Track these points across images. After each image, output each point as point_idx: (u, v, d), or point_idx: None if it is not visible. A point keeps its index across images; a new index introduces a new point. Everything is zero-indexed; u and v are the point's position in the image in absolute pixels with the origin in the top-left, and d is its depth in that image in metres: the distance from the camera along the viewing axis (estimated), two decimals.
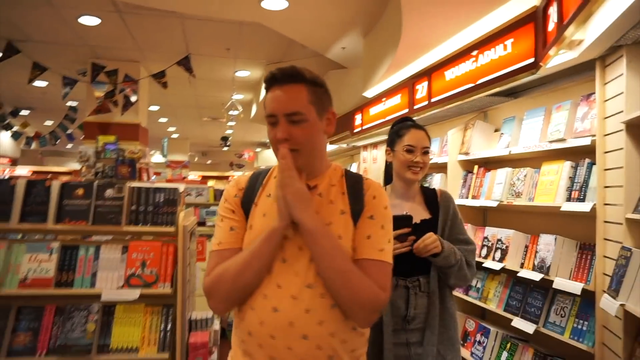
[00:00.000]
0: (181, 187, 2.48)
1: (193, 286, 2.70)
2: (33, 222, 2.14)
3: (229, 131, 11.58)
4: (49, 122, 12.24)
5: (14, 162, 14.06)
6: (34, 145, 10.51)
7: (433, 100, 3.48)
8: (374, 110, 4.71)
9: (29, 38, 5.78)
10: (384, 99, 4.43)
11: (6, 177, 2.10)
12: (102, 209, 2.21)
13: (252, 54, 6.47)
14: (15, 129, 10.37)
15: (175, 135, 15.50)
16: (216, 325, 2.70)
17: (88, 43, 6.06)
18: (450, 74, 3.22)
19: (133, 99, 6.39)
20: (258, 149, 17.81)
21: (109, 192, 2.24)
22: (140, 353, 2.12)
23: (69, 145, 16.23)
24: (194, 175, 18.97)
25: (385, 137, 4.99)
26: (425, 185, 1.92)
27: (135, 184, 2.29)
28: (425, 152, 1.78)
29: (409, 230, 1.64)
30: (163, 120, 12.34)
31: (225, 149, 15.21)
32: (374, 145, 5.67)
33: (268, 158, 16.86)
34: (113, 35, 5.73)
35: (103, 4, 4.74)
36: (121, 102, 6.42)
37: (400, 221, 1.61)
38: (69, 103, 9.08)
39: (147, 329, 2.17)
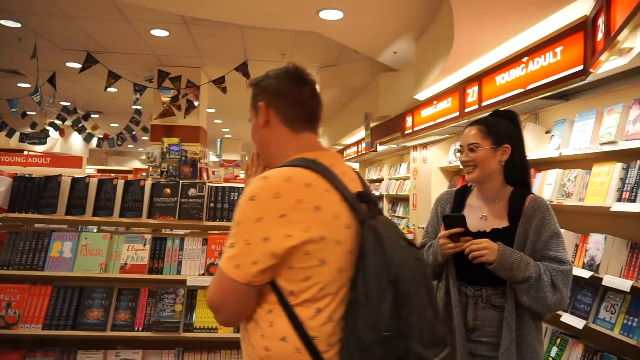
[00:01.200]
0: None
1: None
2: (130, 217, 2.50)
3: None
4: (114, 125, 13.17)
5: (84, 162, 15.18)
6: (103, 146, 11.35)
7: (484, 104, 3.59)
8: (425, 112, 4.85)
9: (105, 49, 6.36)
10: (435, 102, 4.57)
11: (84, 178, 2.47)
12: (186, 206, 2.54)
13: (306, 58, 6.75)
14: (86, 131, 11.27)
15: (228, 136, 16.15)
16: None
17: (155, 52, 6.57)
18: (501, 79, 3.33)
19: (195, 103, 6.85)
20: None
21: (192, 191, 2.56)
22: (219, 332, 2.43)
23: (130, 146, 17.34)
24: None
25: (436, 137, 5.12)
26: (523, 189, 1.67)
27: (213, 184, 2.59)
28: (473, 149, 1.63)
29: (461, 230, 1.54)
30: (218, 121, 12.93)
31: None
32: (424, 145, 5.79)
33: None
34: (178, 44, 6.19)
35: (172, 18, 5.17)
36: (184, 106, 6.90)
37: (452, 220, 1.58)
38: (135, 107, 9.80)
39: None
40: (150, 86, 6.82)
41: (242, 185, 2.72)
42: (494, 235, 1.58)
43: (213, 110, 11.07)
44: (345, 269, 1.00)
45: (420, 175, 5.91)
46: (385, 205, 7.83)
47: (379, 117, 6.45)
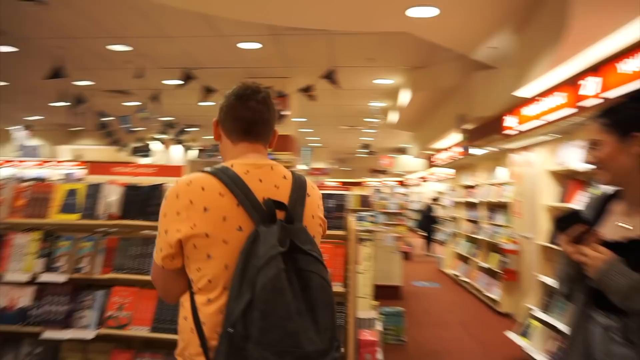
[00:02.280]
0: (349, 193, 2.67)
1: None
2: None
3: (369, 138, 11.87)
4: (209, 137, 13.99)
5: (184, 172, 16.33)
6: (200, 157, 12.08)
7: (604, 95, 3.16)
8: (529, 110, 4.43)
9: (199, 65, 6.72)
10: (541, 98, 4.14)
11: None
12: None
13: (393, 61, 6.58)
14: (186, 143, 12.09)
15: (317, 145, 16.39)
16: (379, 326, 2.82)
17: (246, 65, 6.81)
18: (626, 66, 2.89)
19: (285, 113, 6.97)
20: (395, 155, 17.87)
21: None
22: None
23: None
24: (333, 182, 19.80)
25: (543, 138, 4.65)
26: None
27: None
28: (595, 148, 1.36)
29: (583, 230, 1.27)
30: (307, 130, 13.16)
31: (366, 155, 15.58)
32: (528, 148, 5.30)
33: (406, 164, 16.80)
34: (267, 56, 6.35)
35: (260, 30, 5.30)
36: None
37: (565, 222, 1.32)
38: None
39: None
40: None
41: (339, 192, 2.63)
42: (630, 247, 1.26)
43: (304, 120, 11.27)
44: (233, 267, 1.09)
45: (524, 181, 5.42)
46: (482, 213, 7.32)
47: (474, 119, 6.06)
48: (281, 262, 1.04)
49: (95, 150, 12.59)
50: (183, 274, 1.20)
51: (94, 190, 2.67)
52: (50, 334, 2.52)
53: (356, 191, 11.48)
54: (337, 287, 2.39)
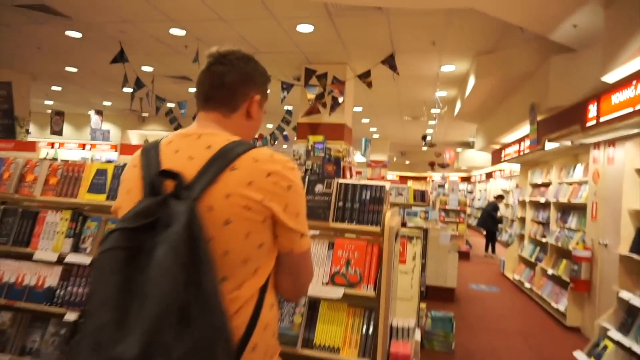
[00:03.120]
0: (387, 185, 2.36)
1: (395, 290, 2.56)
2: None
3: (429, 130, 11.29)
4: (268, 125, 14.02)
5: None
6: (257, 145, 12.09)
7: None
8: (618, 97, 3.81)
9: (256, 50, 6.60)
10: (634, 83, 3.53)
11: None
12: (312, 204, 2.24)
13: (460, 45, 6.06)
14: None
15: (376, 136, 15.95)
16: (417, 336, 2.50)
17: (302, 50, 6.59)
18: None
19: (340, 99, 6.69)
20: (459, 149, 16.99)
21: (319, 188, 2.25)
22: (342, 353, 2.07)
23: (285, 146, 18.36)
24: (392, 175, 19.26)
25: (631, 131, 4.01)
26: None
27: (342, 180, 2.24)
28: None
29: None
30: (365, 120, 12.78)
31: (425, 148, 14.93)
32: (611, 142, 4.63)
33: (471, 158, 15.91)
34: (324, 40, 6.08)
35: (316, 11, 5.04)
36: (329, 103, 6.80)
37: None
38: (286, 107, 10.18)
39: (349, 330, 2.11)
40: (297, 84, 6.88)
41: (376, 183, 2.33)
42: None
43: (360, 109, 10.93)
44: None
45: (604, 180, 4.76)
46: (552, 215, 6.62)
47: (548, 109, 5.42)
48: (120, 239, 0.88)
49: (162, 135, 13.05)
50: None
51: (120, 171, 2.57)
52: (71, 316, 2.46)
53: (413, 185, 10.96)
54: (367, 291, 2.10)
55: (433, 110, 9.71)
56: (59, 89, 10.60)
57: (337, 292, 2.10)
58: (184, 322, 0.84)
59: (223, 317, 0.91)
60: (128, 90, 7.27)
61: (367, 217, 2.21)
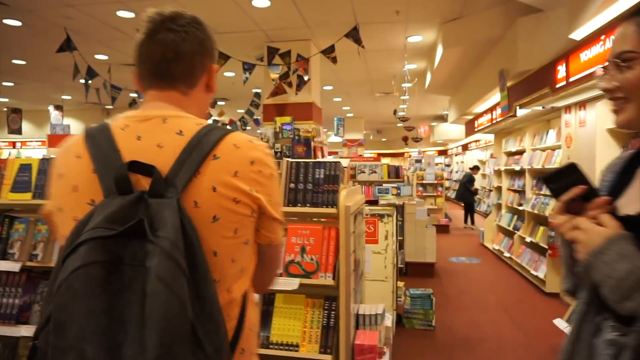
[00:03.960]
0: (344, 162, 2.15)
1: (359, 275, 2.37)
2: None
3: (402, 105, 11.12)
4: (240, 110, 13.64)
5: None
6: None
7: None
8: (586, 54, 3.64)
9: (214, 31, 6.24)
10: (603, 38, 3.36)
11: None
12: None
13: (424, 13, 5.82)
14: (213, 118, 11.78)
15: (349, 114, 15.72)
16: (388, 321, 2.32)
17: (262, 28, 6.27)
18: None
19: (305, 78, 6.42)
20: (434, 123, 16.90)
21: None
22: (301, 350, 1.87)
23: (259, 130, 18.01)
24: (370, 154, 19.13)
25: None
26: None
27: (292, 159, 2.02)
28: (623, 65, 0.85)
29: (581, 191, 0.85)
30: (337, 99, 12.52)
31: (400, 124, 14.79)
32: (582, 105, 4.51)
33: (445, 132, 15.86)
34: (283, 15, 5.78)
35: None
36: (295, 83, 6.52)
37: (558, 181, 0.88)
38: (254, 90, 9.84)
39: (307, 324, 1.91)
40: (259, 64, 6.57)
41: (329, 160, 2.11)
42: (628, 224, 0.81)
43: (330, 88, 10.65)
44: None
45: (577, 143, 4.64)
46: (528, 182, 6.55)
47: (518, 73, 5.26)
48: (96, 251, 0.69)
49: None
50: None
51: (46, 165, 2.29)
52: (3, 330, 2.20)
53: (391, 162, 10.83)
54: (325, 279, 1.89)
55: (404, 85, 9.51)
56: (10, 84, 10.02)
57: (293, 283, 1.89)
58: (195, 344, 0.71)
59: (225, 328, 0.80)
60: (82, 81, 6.86)
61: (322, 197, 1.99)
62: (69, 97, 11.58)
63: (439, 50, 6.56)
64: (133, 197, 0.76)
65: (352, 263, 1.94)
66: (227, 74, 8.99)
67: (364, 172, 6.57)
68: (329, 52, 6.02)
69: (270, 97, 6.77)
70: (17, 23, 5.92)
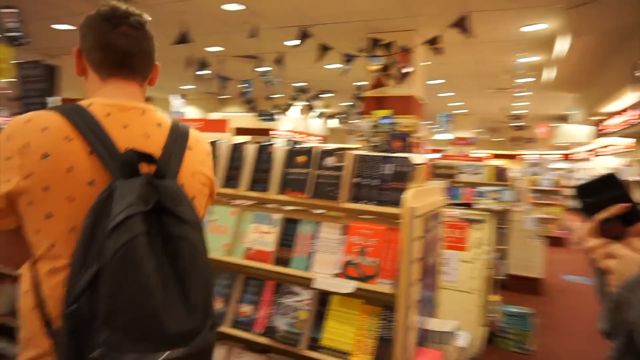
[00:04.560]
0: (417, 157, 1.93)
1: (434, 281, 2.13)
2: (257, 190, 2.00)
3: (518, 103, 10.15)
4: (346, 103, 13.65)
5: (325, 140, 16.46)
6: (330, 124, 11.86)
7: None
8: None
9: (316, 22, 6.25)
10: None
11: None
12: (322, 180, 1.88)
13: None
14: (319, 110, 11.94)
15: (460, 111, 14.86)
16: (461, 341, 2.05)
17: (364, 18, 6.11)
18: None
19: (407, 70, 6.13)
20: (555, 124, 15.23)
21: (329, 161, 1.89)
22: (352, 359, 1.72)
23: (355, 122, 17.87)
24: (483, 154, 17.94)
25: None
26: None
27: (359, 151, 1.86)
28: None
29: (623, 209, 0.69)
30: (446, 94, 11.88)
31: (514, 124, 13.60)
32: None
33: (568, 134, 14.20)
34: (387, 5, 5.56)
35: None
36: (396, 75, 6.27)
37: (596, 191, 0.72)
38: (357, 83, 9.73)
39: (362, 332, 1.75)
40: (360, 55, 6.42)
41: (400, 155, 1.92)
42: None
43: (440, 81, 10.12)
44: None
45: None
46: None
47: None
48: (140, 224, 0.82)
49: (240, 117, 13.30)
50: (21, 237, 0.93)
51: None
52: None
53: (507, 164, 9.97)
54: (385, 286, 1.71)
55: (519, 80, 8.65)
56: None
57: (348, 286, 1.75)
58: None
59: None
60: (202, 73, 7.36)
61: (389, 196, 1.80)
62: (190, 87, 12.62)
63: (562, 41, 5.80)
64: (145, 179, 0.88)
65: (415, 271, 1.73)
66: (328, 66, 9.00)
67: (465, 172, 6.10)
68: (433, 42, 5.66)
69: (371, 90, 6.60)
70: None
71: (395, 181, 1.81)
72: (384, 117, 6.54)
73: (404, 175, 1.81)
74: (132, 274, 0.78)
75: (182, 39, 6.29)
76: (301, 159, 1.93)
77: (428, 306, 2.01)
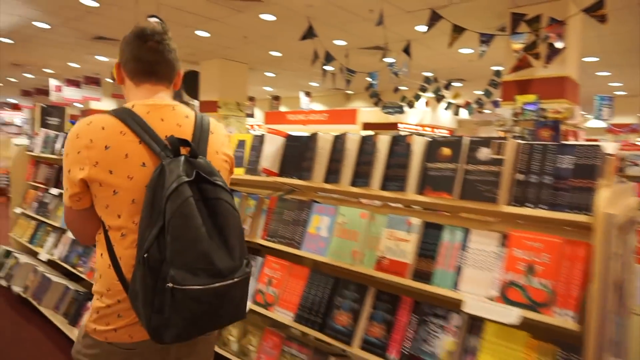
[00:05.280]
0: (609, 146, 1.44)
1: (625, 309, 1.61)
2: (391, 190, 1.70)
3: None
4: (478, 92, 12.59)
5: (452, 134, 15.48)
6: (461, 115, 11.00)
7: None
8: None
9: (450, 1, 5.69)
10: None
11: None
12: (473, 177, 1.51)
13: None
14: (448, 100, 11.16)
15: (619, 92, 12.70)
16: None
17: None
18: None
19: (558, 45, 5.24)
20: None
21: (483, 153, 1.50)
22: None
23: (497, 110, 16.36)
24: None
25: None
26: None
27: (524, 141, 1.45)
28: None
29: None
30: (603, 74, 10.19)
31: None
32: None
33: None
34: None
35: None
36: (544, 53, 5.42)
37: None
38: (494, 67, 8.80)
39: None
40: (500, 34, 5.69)
41: (583, 143, 1.44)
42: None
43: (594, 59, 8.68)
44: (141, 201, 1.12)
45: None
46: None
47: None
48: (188, 190, 1.05)
49: (365, 111, 13.12)
50: (94, 213, 1.19)
51: (259, 142, 2.29)
52: None
53: None
54: (564, 318, 1.28)
55: None
56: (272, 75, 11.63)
57: (510, 314, 1.35)
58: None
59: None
60: (327, 68, 7.31)
61: (567, 197, 1.37)
62: (315, 84, 12.80)
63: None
64: (184, 158, 1.11)
65: (611, 301, 1.26)
66: (462, 50, 8.28)
67: (637, 164, 5.01)
68: (594, 9, 4.73)
69: (512, 73, 5.83)
70: (272, 17, 6.65)
71: (577, 178, 1.36)
72: (529, 103, 5.72)
73: (590, 170, 1.34)
74: (187, 225, 1.02)
75: (308, 34, 6.24)
76: (446, 151, 1.58)
77: (621, 346, 1.51)
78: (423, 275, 1.58)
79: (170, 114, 1.23)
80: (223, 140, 1.32)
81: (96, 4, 6.33)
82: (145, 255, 1.02)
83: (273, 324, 2.14)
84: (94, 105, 13.80)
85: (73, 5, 6.39)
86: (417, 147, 1.67)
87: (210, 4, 6.14)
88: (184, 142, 1.15)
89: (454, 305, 1.51)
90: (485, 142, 1.50)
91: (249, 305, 2.13)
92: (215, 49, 8.92)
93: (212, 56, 9.56)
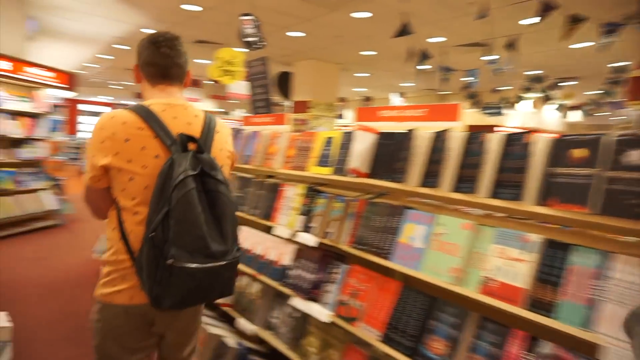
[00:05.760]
0: None
1: None
2: (501, 198, 1.41)
3: None
4: (589, 92, 11.26)
5: None
6: (570, 117, 9.93)
7: None
8: None
9: None
10: None
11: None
12: (618, 186, 1.18)
13: None
14: (558, 102, 10.13)
15: None
16: None
17: None
18: None
19: None
20: None
21: (632, 156, 1.17)
22: None
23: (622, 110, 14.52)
24: None
25: None
26: None
27: None
28: None
29: None
30: None
31: None
32: None
33: None
34: None
35: None
36: None
37: None
38: (611, 64, 7.78)
39: None
40: (628, 22, 4.93)
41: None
42: None
43: None
44: (152, 187, 1.28)
45: None
46: None
47: None
48: (192, 182, 1.23)
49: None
50: (108, 193, 1.36)
51: (347, 139, 2.12)
52: (294, 302, 2.20)
53: None
54: None
55: None
56: (366, 75, 11.44)
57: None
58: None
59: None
60: (422, 67, 6.96)
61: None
62: (408, 85, 12.39)
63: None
64: (192, 153, 1.30)
65: None
66: (574, 46, 7.42)
67: None
68: None
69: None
70: (368, 14, 6.46)
71: None
72: None
73: None
74: (189, 212, 1.20)
75: (404, 31, 5.96)
76: (579, 152, 1.27)
77: None
78: (542, 305, 1.28)
79: (182, 112, 1.41)
80: (227, 139, 1.52)
81: (199, 8, 6.63)
82: (151, 235, 1.20)
83: (356, 340, 1.95)
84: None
85: (178, 11, 6.76)
86: (540, 147, 1.37)
87: (304, 3, 6.12)
88: (192, 139, 1.33)
89: (585, 349, 1.19)
90: (636, 142, 1.17)
91: (329, 316, 1.95)
92: (307, 50, 8.96)
93: (305, 57, 9.63)
